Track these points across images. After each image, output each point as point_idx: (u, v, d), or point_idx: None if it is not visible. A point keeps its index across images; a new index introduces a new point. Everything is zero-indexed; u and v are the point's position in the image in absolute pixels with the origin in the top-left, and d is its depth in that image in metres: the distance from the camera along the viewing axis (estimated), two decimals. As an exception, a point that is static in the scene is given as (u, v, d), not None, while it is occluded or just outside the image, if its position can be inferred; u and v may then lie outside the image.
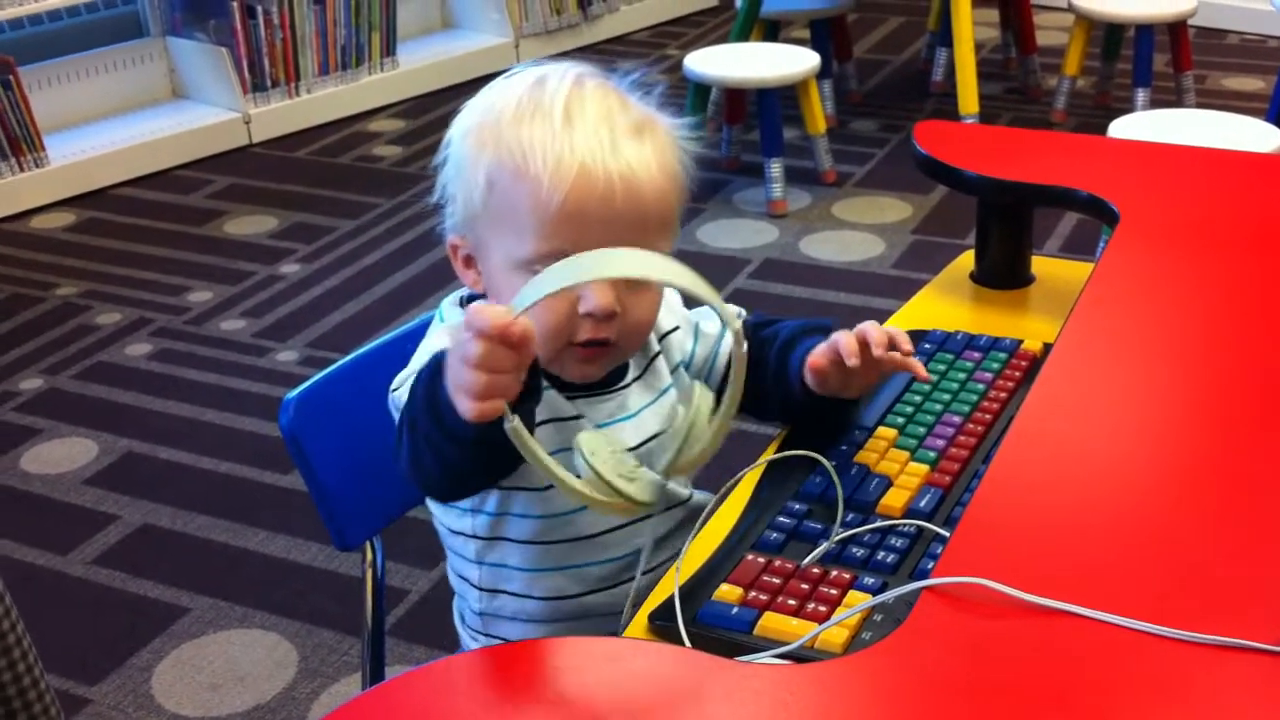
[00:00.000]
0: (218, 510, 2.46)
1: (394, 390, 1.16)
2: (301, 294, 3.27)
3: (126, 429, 2.72)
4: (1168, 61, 4.05)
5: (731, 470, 1.17)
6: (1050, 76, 4.30)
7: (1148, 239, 1.35)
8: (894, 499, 1.11)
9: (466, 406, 0.94)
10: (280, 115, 4.25)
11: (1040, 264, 1.58)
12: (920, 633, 0.86)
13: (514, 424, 0.94)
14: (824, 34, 4.16)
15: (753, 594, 1.00)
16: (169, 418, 2.76)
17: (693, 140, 1.18)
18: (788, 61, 3.56)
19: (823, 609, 0.98)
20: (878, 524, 1.08)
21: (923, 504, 1.11)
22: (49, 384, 2.91)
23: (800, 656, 0.93)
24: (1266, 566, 0.90)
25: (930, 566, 0.97)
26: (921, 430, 1.21)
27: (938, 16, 4.39)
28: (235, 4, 4.08)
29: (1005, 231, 1.54)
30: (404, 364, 1.23)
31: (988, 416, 1.23)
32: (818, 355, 1.20)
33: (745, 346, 1.00)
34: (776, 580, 1.02)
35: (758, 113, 3.60)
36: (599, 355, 1.15)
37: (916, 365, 1.20)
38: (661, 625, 0.99)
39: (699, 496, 1.31)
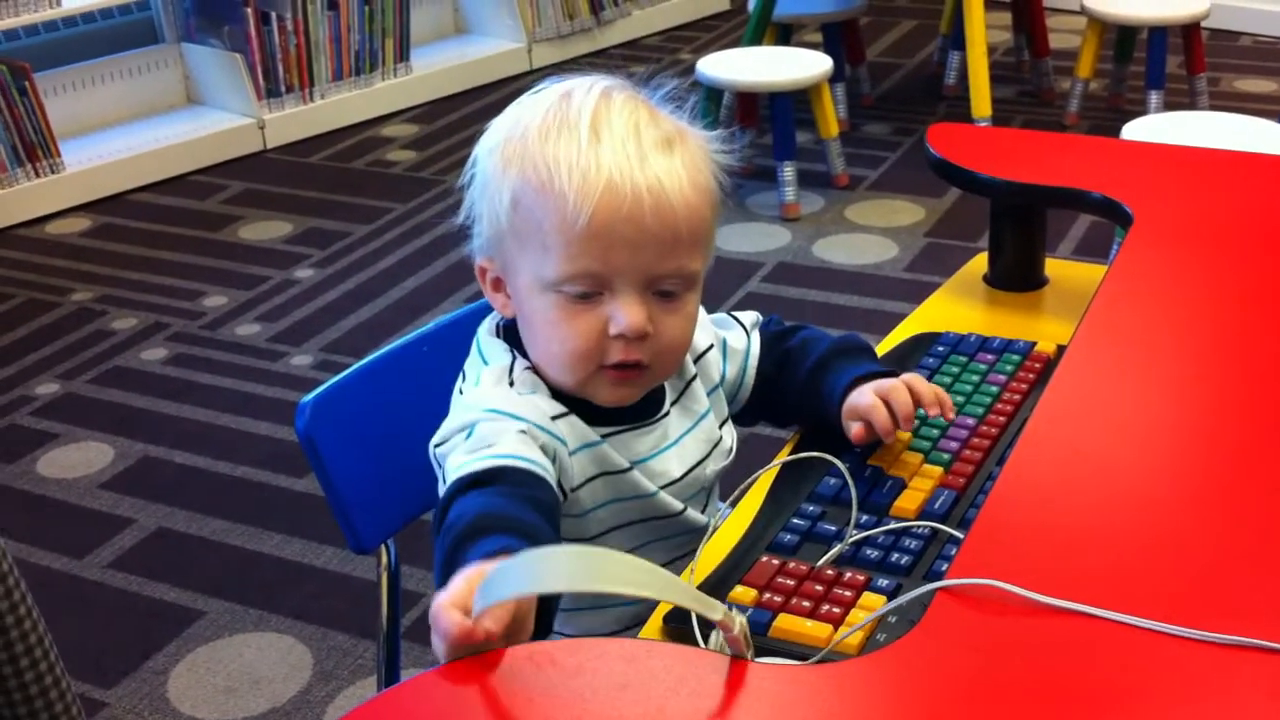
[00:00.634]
0: (233, 514, 2.46)
1: (436, 446, 1.12)
2: (316, 298, 3.28)
3: (142, 433, 2.74)
4: (1180, 64, 4.04)
5: (746, 472, 1.18)
6: (1063, 79, 4.29)
7: (1161, 241, 1.35)
8: (908, 501, 1.11)
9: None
10: (295, 121, 4.26)
11: (1054, 266, 1.58)
12: (935, 634, 0.86)
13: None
14: (836, 37, 4.16)
15: (767, 595, 1.01)
16: (184, 422, 2.77)
17: (726, 153, 1.15)
18: (800, 65, 3.56)
19: (837, 610, 0.98)
20: (892, 526, 1.08)
21: (937, 506, 1.11)
22: (65, 389, 2.93)
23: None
24: (1278, 567, 0.90)
25: (944, 568, 0.97)
26: (935, 432, 1.21)
27: (950, 19, 4.39)
28: (250, 10, 4.10)
29: (1018, 234, 1.54)
30: (419, 369, 1.24)
31: (1001, 419, 1.23)
32: (858, 430, 1.18)
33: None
34: (791, 582, 1.02)
35: (770, 116, 3.60)
36: (632, 378, 1.12)
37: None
38: (676, 627, 0.99)
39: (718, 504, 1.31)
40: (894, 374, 1.21)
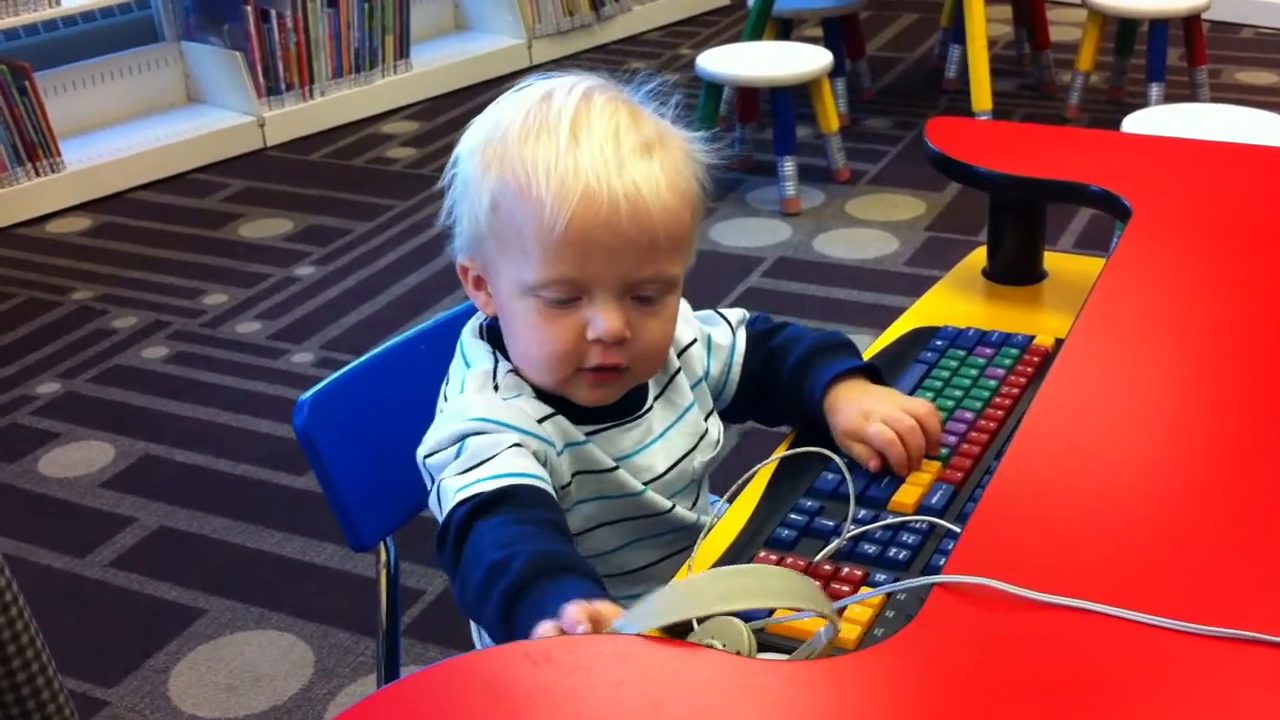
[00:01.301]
0: (234, 512, 2.47)
1: (426, 457, 1.12)
2: (316, 296, 3.28)
3: (143, 432, 2.74)
4: (1181, 56, 4.04)
5: (743, 468, 1.17)
6: (1064, 72, 4.29)
7: (1161, 234, 1.35)
8: (906, 495, 1.11)
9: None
10: (295, 118, 4.26)
11: (1053, 260, 1.57)
12: (932, 629, 0.86)
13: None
14: (836, 32, 4.16)
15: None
16: (185, 420, 2.77)
17: (710, 153, 1.15)
18: (800, 60, 3.55)
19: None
20: (889, 520, 1.08)
21: (934, 500, 1.11)
22: (66, 388, 2.93)
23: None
24: (1278, 560, 0.90)
25: (942, 563, 0.97)
26: (933, 427, 1.21)
27: (950, 13, 4.39)
28: (249, 8, 4.10)
29: (1018, 227, 1.54)
30: (418, 366, 1.23)
31: (1000, 413, 1.23)
32: (876, 463, 1.15)
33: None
34: (789, 577, 1.02)
35: (771, 111, 3.60)
36: (610, 380, 1.12)
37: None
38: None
39: (713, 498, 1.31)
40: (875, 369, 1.22)
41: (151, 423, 2.77)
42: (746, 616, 0.88)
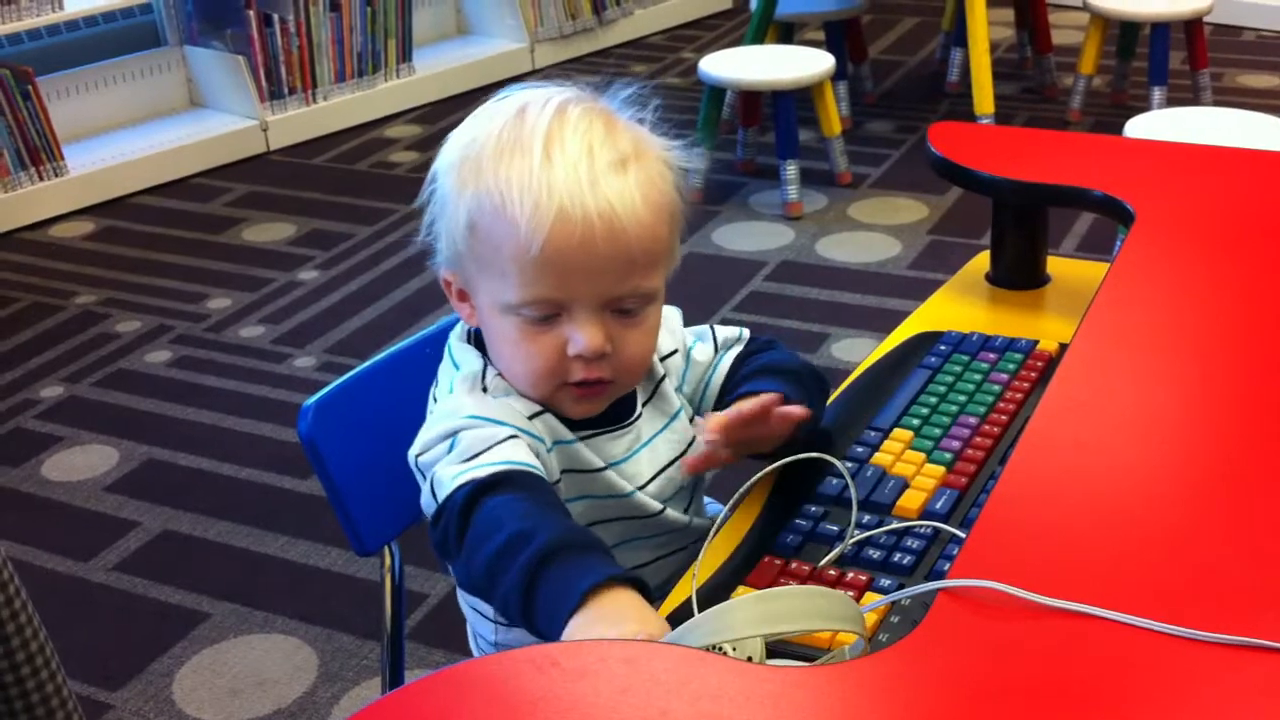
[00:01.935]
0: (238, 516, 2.47)
1: (417, 456, 1.12)
2: (319, 300, 3.28)
3: (146, 436, 2.74)
4: (1184, 59, 4.04)
5: (747, 473, 1.18)
6: (1066, 75, 4.29)
7: (1164, 239, 1.35)
8: (910, 500, 1.11)
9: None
10: (297, 122, 4.27)
11: (1056, 264, 1.57)
12: (936, 635, 0.86)
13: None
14: (838, 36, 4.16)
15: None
16: (189, 424, 2.78)
17: (689, 159, 1.14)
18: (803, 63, 3.56)
19: (839, 611, 0.98)
20: (894, 525, 1.08)
21: (939, 505, 1.11)
22: (69, 392, 2.93)
23: (817, 659, 0.94)
24: (1283, 566, 0.90)
25: (946, 568, 0.97)
26: (937, 431, 1.21)
27: (952, 17, 4.39)
28: (252, 13, 4.10)
29: (1021, 232, 1.54)
30: (421, 371, 1.24)
31: (1004, 417, 1.23)
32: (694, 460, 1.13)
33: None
34: (793, 582, 1.02)
35: (773, 115, 3.60)
36: (595, 394, 1.13)
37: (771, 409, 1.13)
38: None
39: (717, 508, 1.31)
40: (783, 394, 1.17)
41: (155, 427, 2.77)
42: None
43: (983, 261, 1.59)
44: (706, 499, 1.32)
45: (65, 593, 2.29)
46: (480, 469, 1.05)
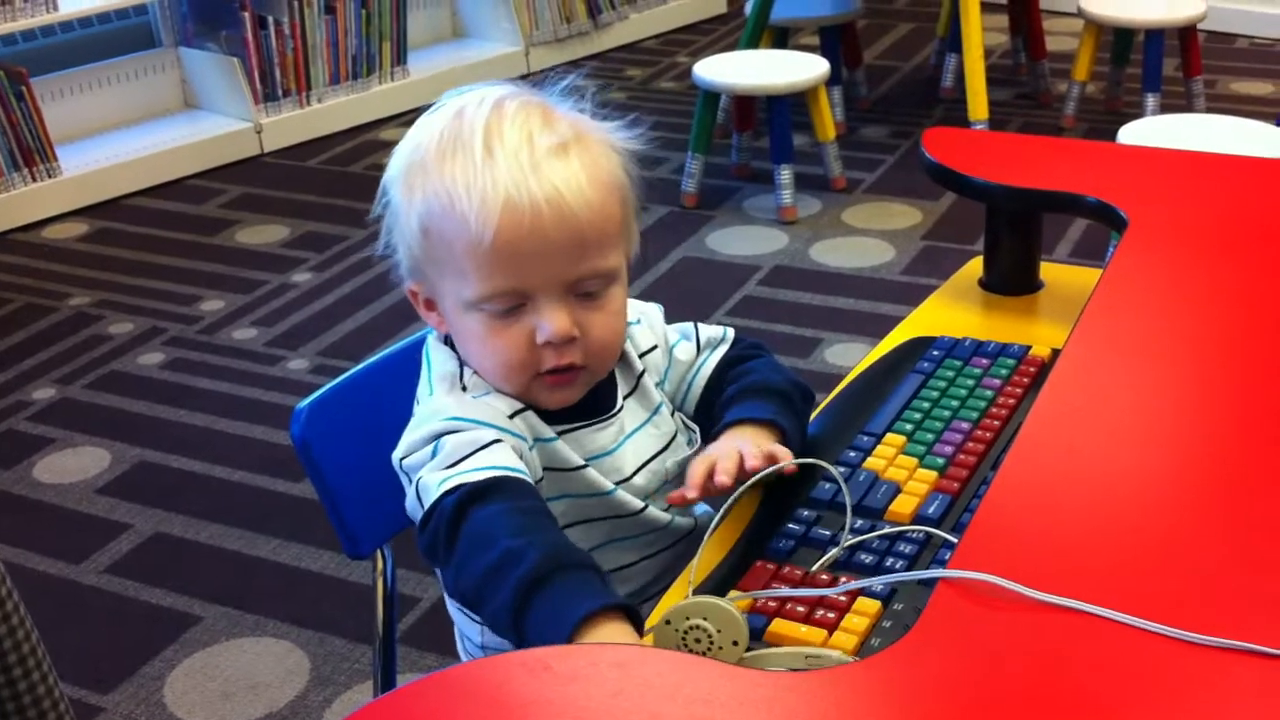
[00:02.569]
0: (230, 519, 2.46)
1: (402, 458, 1.13)
2: (313, 303, 3.28)
3: (139, 438, 2.74)
4: (1177, 66, 4.05)
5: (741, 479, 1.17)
6: (1060, 82, 4.30)
7: (1156, 245, 1.35)
8: (902, 505, 1.11)
9: None
10: (291, 125, 4.26)
11: (1049, 270, 1.58)
12: (928, 638, 0.86)
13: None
14: (833, 41, 4.17)
15: (762, 600, 1.01)
16: (181, 427, 2.77)
17: (632, 139, 1.14)
18: (797, 68, 3.56)
19: (832, 615, 0.98)
20: (886, 530, 1.08)
21: (931, 510, 1.11)
22: (61, 394, 2.93)
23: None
24: (1276, 571, 0.90)
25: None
26: (930, 437, 1.21)
27: (947, 22, 4.40)
28: (246, 14, 4.10)
29: (1014, 237, 1.54)
30: (414, 374, 1.23)
31: (996, 423, 1.23)
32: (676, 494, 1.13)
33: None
34: (785, 587, 1.02)
35: (767, 120, 3.60)
36: (568, 381, 1.13)
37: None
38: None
39: (706, 507, 1.31)
40: (773, 422, 1.17)
41: (147, 429, 2.77)
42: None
43: (976, 267, 1.59)
44: (702, 504, 1.32)
45: (56, 595, 2.28)
46: (466, 475, 1.05)
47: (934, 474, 1.16)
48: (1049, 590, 0.88)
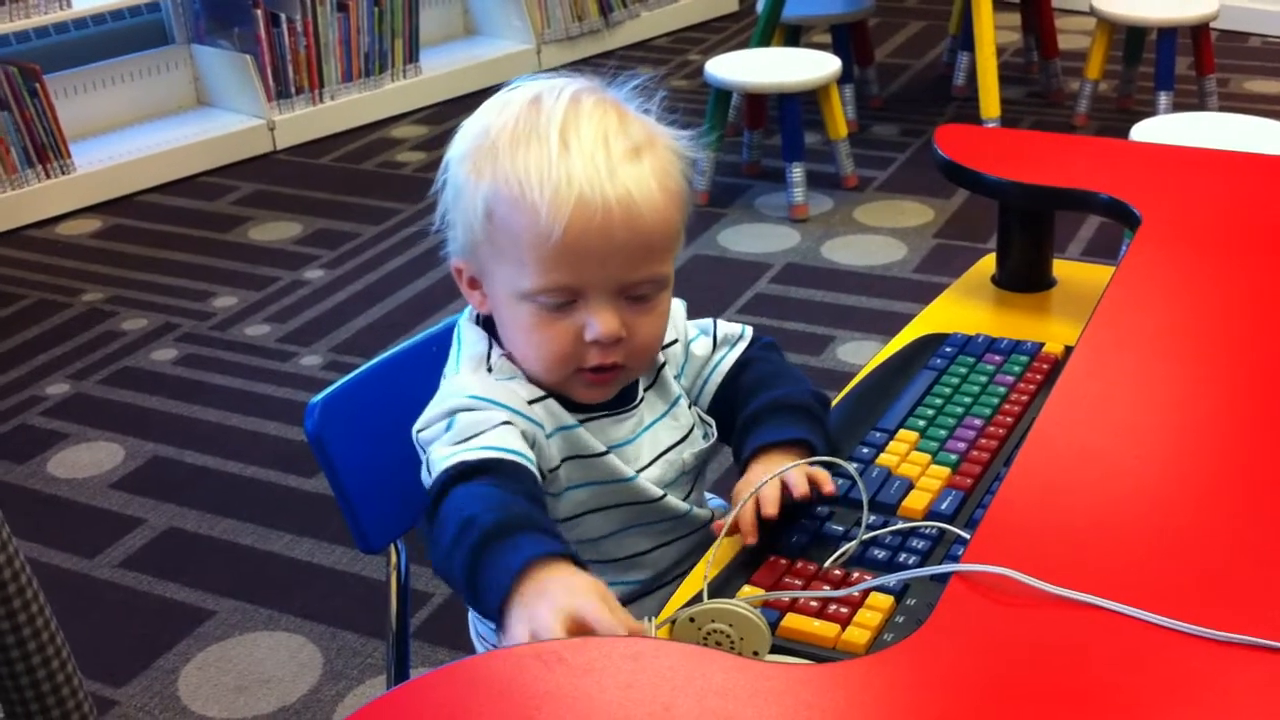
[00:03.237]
0: (243, 514, 2.47)
1: (419, 431, 1.14)
2: (325, 299, 3.29)
3: (152, 433, 2.74)
4: (1190, 65, 4.04)
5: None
6: (1072, 80, 4.29)
7: (1169, 243, 1.36)
8: (915, 501, 1.12)
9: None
10: (304, 122, 4.27)
11: (1062, 267, 1.58)
12: (942, 633, 0.86)
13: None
14: (845, 39, 4.16)
15: (775, 595, 1.01)
16: (194, 422, 2.78)
17: (697, 149, 1.16)
18: (809, 66, 3.56)
19: (844, 610, 0.99)
20: (899, 526, 1.08)
21: (944, 506, 1.11)
22: (75, 389, 2.94)
23: (822, 657, 0.94)
24: (1287, 568, 0.91)
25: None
26: (943, 433, 1.21)
27: (959, 20, 4.39)
28: (259, 12, 4.11)
29: (1027, 235, 1.54)
30: (427, 369, 1.24)
31: (1009, 419, 1.24)
32: (718, 523, 1.11)
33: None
34: (799, 582, 1.02)
35: (779, 117, 3.60)
36: (608, 379, 1.14)
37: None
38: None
39: (719, 503, 1.31)
40: (805, 441, 1.17)
41: (161, 424, 2.78)
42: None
43: (988, 264, 1.59)
44: (708, 494, 1.32)
45: (70, 589, 2.29)
46: (465, 454, 1.06)
47: (947, 470, 1.16)
48: (1062, 584, 0.88)
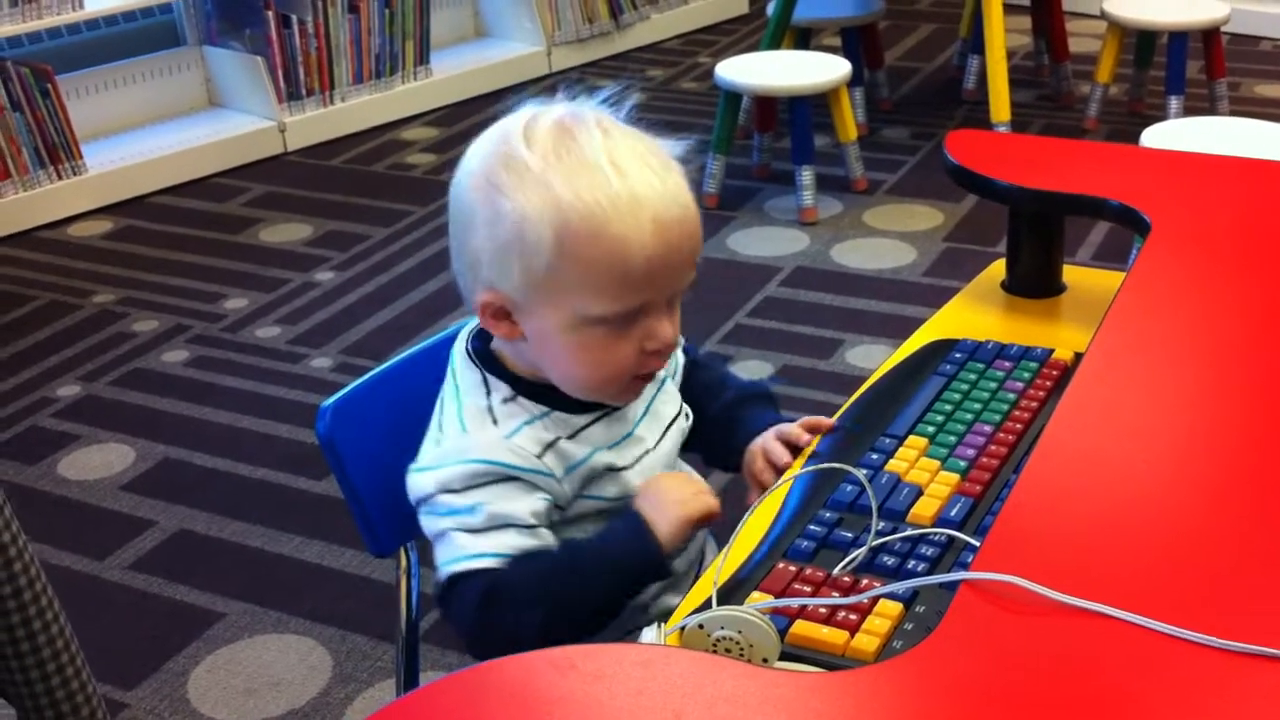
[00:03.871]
0: (253, 516, 2.48)
1: (435, 494, 1.15)
2: (336, 301, 3.29)
3: (163, 435, 2.75)
4: (1201, 69, 4.04)
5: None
6: (1083, 84, 4.29)
7: (1180, 248, 1.35)
8: (924, 508, 1.12)
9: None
10: (315, 124, 4.28)
11: (1072, 273, 1.58)
12: (951, 640, 0.86)
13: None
14: (855, 41, 4.16)
15: (784, 602, 1.01)
16: (205, 424, 2.79)
17: (690, 157, 1.18)
18: (819, 69, 3.56)
19: (853, 617, 0.99)
20: (908, 532, 1.09)
21: (953, 513, 1.11)
22: (86, 390, 2.95)
23: (831, 664, 0.94)
24: (1297, 577, 0.90)
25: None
26: (952, 439, 1.21)
27: (969, 24, 4.39)
28: (271, 13, 4.12)
29: (1037, 240, 1.54)
30: (438, 373, 1.24)
31: (1019, 426, 1.24)
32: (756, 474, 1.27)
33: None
34: (808, 588, 1.02)
35: (789, 120, 3.60)
36: (649, 382, 1.20)
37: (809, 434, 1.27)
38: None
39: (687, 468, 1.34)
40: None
41: (171, 426, 2.79)
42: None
43: (998, 269, 1.59)
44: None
45: (80, 591, 2.30)
46: (491, 559, 1.12)
47: (956, 477, 1.16)
48: (1071, 593, 0.88)
